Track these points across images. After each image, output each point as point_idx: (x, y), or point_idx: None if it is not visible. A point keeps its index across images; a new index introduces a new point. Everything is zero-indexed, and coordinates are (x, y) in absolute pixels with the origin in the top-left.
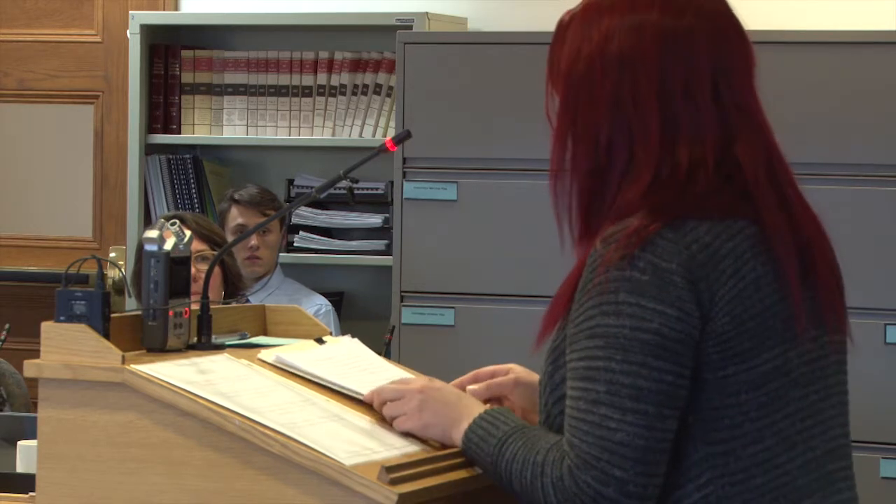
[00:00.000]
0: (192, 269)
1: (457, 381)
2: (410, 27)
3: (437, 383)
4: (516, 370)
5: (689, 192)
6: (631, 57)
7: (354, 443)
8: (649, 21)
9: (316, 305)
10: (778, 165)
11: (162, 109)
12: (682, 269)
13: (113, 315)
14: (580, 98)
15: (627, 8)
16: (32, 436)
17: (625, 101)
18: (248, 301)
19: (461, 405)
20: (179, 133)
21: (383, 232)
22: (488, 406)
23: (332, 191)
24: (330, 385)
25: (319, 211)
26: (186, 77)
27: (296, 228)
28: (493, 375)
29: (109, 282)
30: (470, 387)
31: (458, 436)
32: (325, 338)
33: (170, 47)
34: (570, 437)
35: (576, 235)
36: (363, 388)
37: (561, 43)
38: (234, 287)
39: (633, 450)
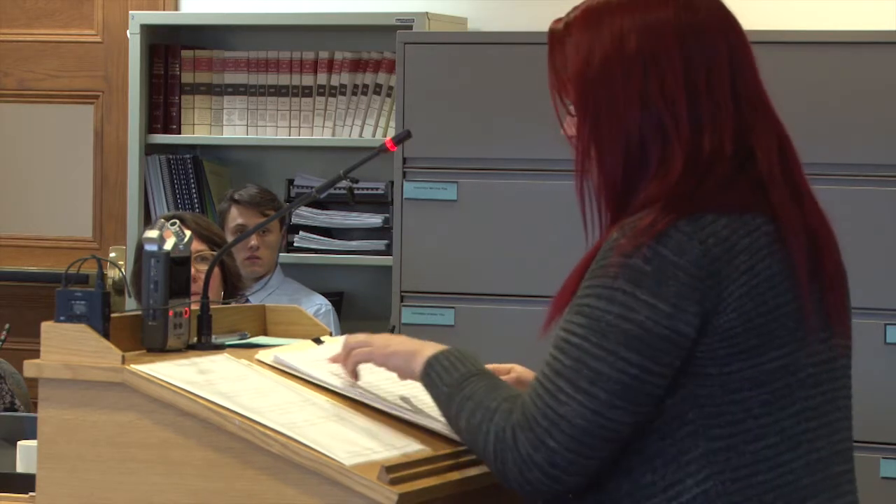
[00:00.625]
0: (192, 270)
1: None
2: (410, 27)
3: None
4: (517, 370)
5: (707, 184)
6: (654, 54)
7: (354, 443)
8: (666, 18)
9: (316, 305)
10: (790, 157)
11: (162, 109)
12: (691, 264)
13: (113, 315)
14: (600, 100)
15: (639, 6)
16: (32, 436)
17: (654, 98)
18: (248, 301)
19: (429, 345)
20: (179, 133)
21: (383, 232)
22: None
23: (332, 191)
24: (327, 386)
25: (319, 211)
26: (186, 77)
27: (296, 228)
28: (495, 371)
29: (109, 282)
30: None
31: (421, 360)
32: (323, 338)
33: (170, 47)
34: (526, 395)
35: (606, 231)
36: (361, 388)
37: (560, 50)
38: (233, 287)
39: (571, 426)
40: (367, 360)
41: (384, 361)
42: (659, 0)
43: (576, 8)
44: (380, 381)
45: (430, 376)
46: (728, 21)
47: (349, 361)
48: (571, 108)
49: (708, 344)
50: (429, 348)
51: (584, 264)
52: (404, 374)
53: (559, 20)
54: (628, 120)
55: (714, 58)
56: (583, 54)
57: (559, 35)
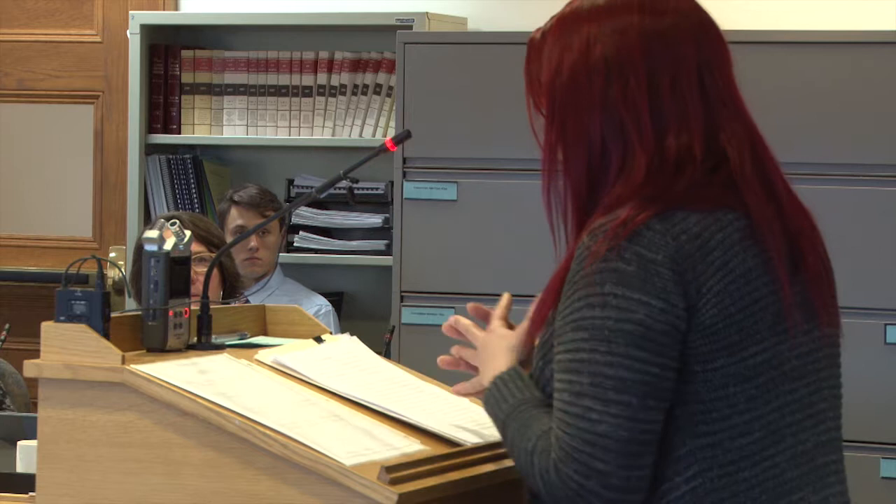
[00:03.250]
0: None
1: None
2: (410, 27)
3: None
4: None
5: (677, 184)
6: (617, 59)
7: (354, 443)
8: (631, 23)
9: (316, 306)
10: (764, 156)
11: (162, 109)
12: (668, 260)
13: (113, 315)
14: (567, 106)
15: (606, 14)
16: (32, 436)
17: (615, 102)
18: (248, 301)
19: (489, 367)
20: (179, 133)
21: (383, 232)
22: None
23: (332, 191)
24: (326, 388)
25: (319, 211)
26: (186, 77)
27: (296, 228)
28: None
29: (109, 282)
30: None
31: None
32: (323, 336)
33: (170, 47)
34: (556, 429)
35: (571, 238)
36: (360, 389)
37: (537, 59)
38: (231, 288)
39: (616, 442)
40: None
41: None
42: (625, 6)
43: (552, 17)
44: (379, 382)
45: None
46: (698, 24)
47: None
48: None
49: (692, 341)
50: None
51: (560, 275)
52: None
53: (538, 30)
54: (591, 125)
55: (680, 62)
56: (554, 63)
57: (537, 45)
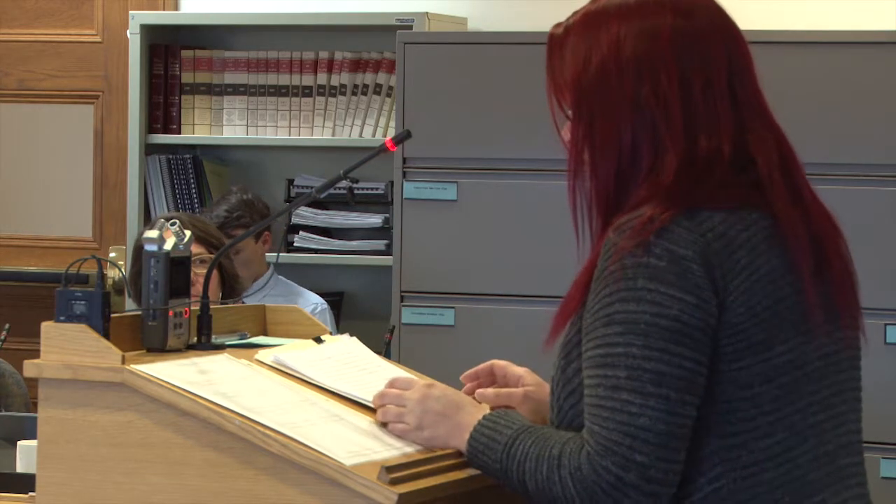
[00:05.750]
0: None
1: (472, 371)
2: (410, 27)
3: (437, 391)
4: (527, 381)
5: (703, 184)
6: (649, 58)
7: (354, 443)
8: (663, 23)
9: (311, 305)
10: (791, 161)
11: (162, 109)
12: (698, 256)
13: (113, 315)
14: (596, 104)
15: (637, 13)
16: (32, 436)
17: (647, 101)
18: (242, 302)
19: (461, 414)
20: (179, 133)
21: (383, 232)
22: (488, 410)
23: (332, 191)
24: (326, 388)
25: (319, 211)
26: (186, 77)
27: (296, 228)
28: (505, 373)
29: (109, 282)
30: (479, 391)
31: (461, 444)
32: (323, 337)
33: (170, 47)
34: (591, 424)
35: (596, 237)
36: (360, 389)
37: (559, 54)
38: (231, 289)
39: (656, 435)
40: (400, 435)
41: (421, 443)
42: (656, 6)
43: (575, 13)
44: (379, 382)
45: (478, 458)
46: (727, 28)
47: (380, 417)
48: (570, 112)
49: (719, 339)
50: (463, 428)
51: (586, 273)
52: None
53: (559, 25)
54: (621, 123)
55: (711, 63)
56: (580, 59)
57: (558, 40)
